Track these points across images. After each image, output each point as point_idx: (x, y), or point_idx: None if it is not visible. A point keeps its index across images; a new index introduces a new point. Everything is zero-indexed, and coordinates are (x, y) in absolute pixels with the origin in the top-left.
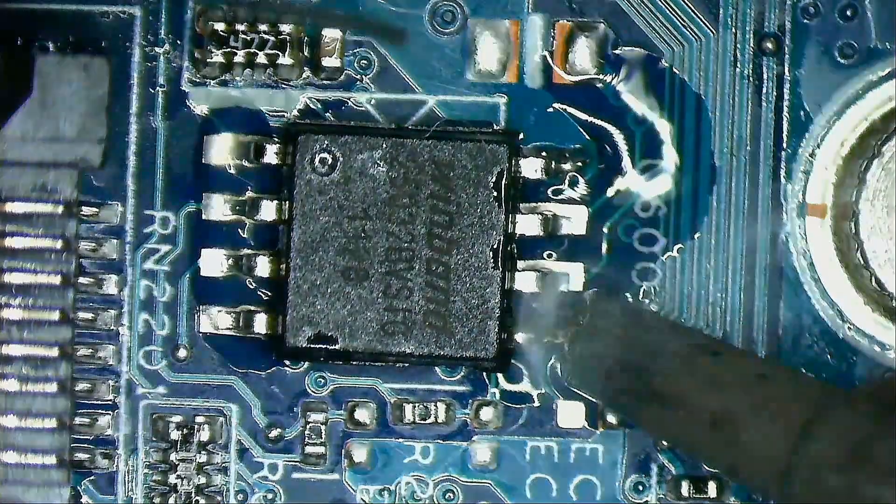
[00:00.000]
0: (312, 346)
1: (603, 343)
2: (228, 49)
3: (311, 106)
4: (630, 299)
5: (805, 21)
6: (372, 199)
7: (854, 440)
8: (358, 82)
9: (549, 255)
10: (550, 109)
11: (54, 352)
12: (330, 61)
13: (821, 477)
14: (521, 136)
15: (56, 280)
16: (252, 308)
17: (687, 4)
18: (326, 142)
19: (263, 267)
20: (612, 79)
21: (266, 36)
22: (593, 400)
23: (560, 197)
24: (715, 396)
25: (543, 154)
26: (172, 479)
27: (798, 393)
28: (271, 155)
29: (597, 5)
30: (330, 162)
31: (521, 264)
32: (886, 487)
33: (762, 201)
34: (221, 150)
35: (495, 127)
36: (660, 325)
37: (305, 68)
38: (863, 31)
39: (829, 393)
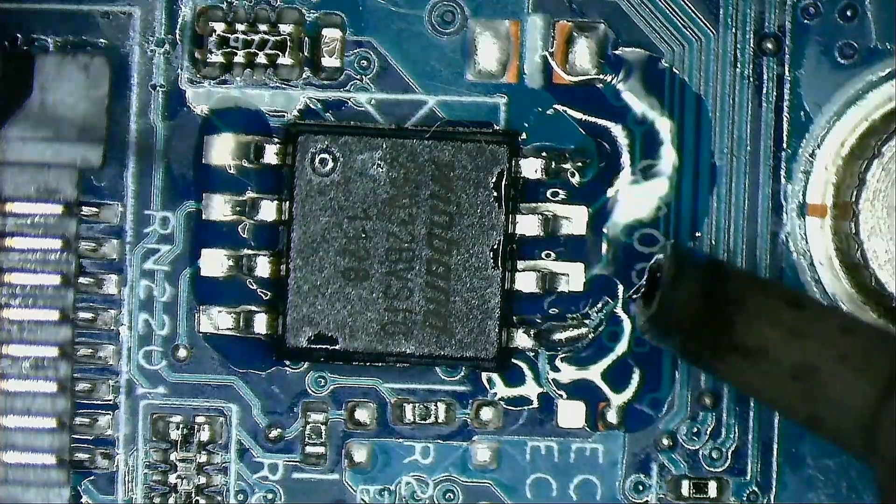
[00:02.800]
0: (313, 346)
1: (683, 294)
2: (228, 49)
3: (311, 106)
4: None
5: (805, 21)
6: (372, 199)
7: None
8: (358, 82)
9: (549, 255)
10: (551, 111)
11: (54, 352)
12: (330, 61)
13: None
14: (522, 136)
15: (56, 280)
16: (252, 308)
17: (687, 4)
18: (326, 142)
19: (263, 267)
20: (612, 79)
21: (266, 36)
22: (671, 351)
23: (560, 197)
24: (798, 348)
25: (543, 154)
26: (172, 479)
27: (882, 347)
28: (271, 155)
29: (597, 5)
30: (330, 162)
31: (521, 264)
32: None
33: (762, 201)
34: (221, 150)
35: (495, 127)
36: (740, 277)
37: (305, 68)
38: (863, 32)
39: None
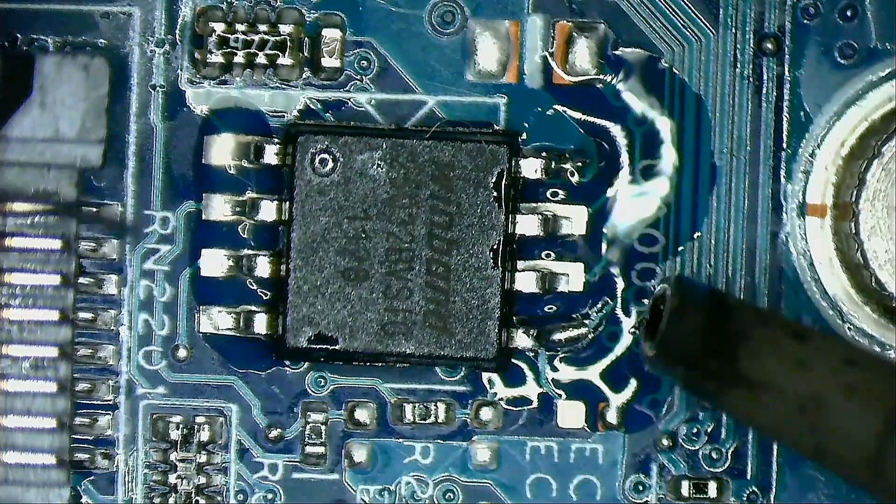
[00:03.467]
0: (313, 346)
1: (686, 326)
2: (228, 49)
3: (311, 106)
4: (711, 285)
5: (805, 21)
6: (372, 199)
7: None
8: (358, 83)
9: (549, 255)
10: (551, 111)
11: (54, 352)
12: (330, 61)
13: None
14: (522, 136)
15: (56, 280)
16: (252, 308)
17: (687, 4)
18: (326, 142)
19: (263, 267)
20: (612, 79)
21: (266, 36)
22: (675, 384)
23: (560, 197)
24: (802, 380)
25: (543, 154)
26: (172, 479)
27: (886, 379)
28: (271, 155)
29: (597, 6)
30: (330, 162)
31: (521, 264)
32: None
33: (762, 201)
34: (221, 150)
35: (495, 127)
36: (743, 309)
37: (305, 68)
38: (863, 32)
39: None
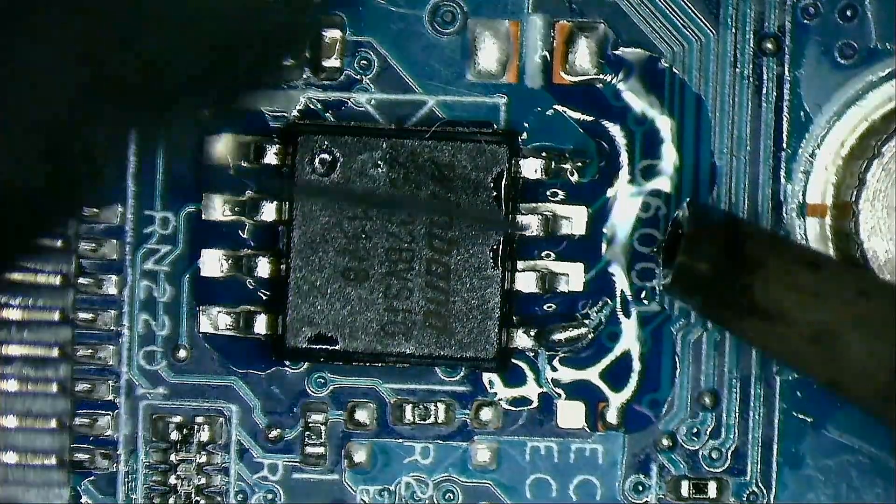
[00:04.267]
0: (312, 346)
1: (702, 254)
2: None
3: (311, 106)
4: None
5: (805, 21)
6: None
7: None
8: (358, 83)
9: (549, 255)
10: (551, 111)
11: (54, 352)
12: (330, 61)
13: None
14: (522, 136)
15: (56, 280)
16: (252, 308)
17: (687, 4)
18: (326, 142)
19: (263, 267)
20: (612, 79)
21: None
22: (693, 310)
23: (559, 197)
24: (816, 311)
25: (543, 154)
26: (172, 479)
27: None
28: (271, 155)
29: (597, 5)
30: (330, 162)
31: (521, 264)
32: None
33: (762, 201)
34: (221, 150)
35: (495, 127)
36: (758, 237)
37: (305, 68)
38: (863, 32)
39: None
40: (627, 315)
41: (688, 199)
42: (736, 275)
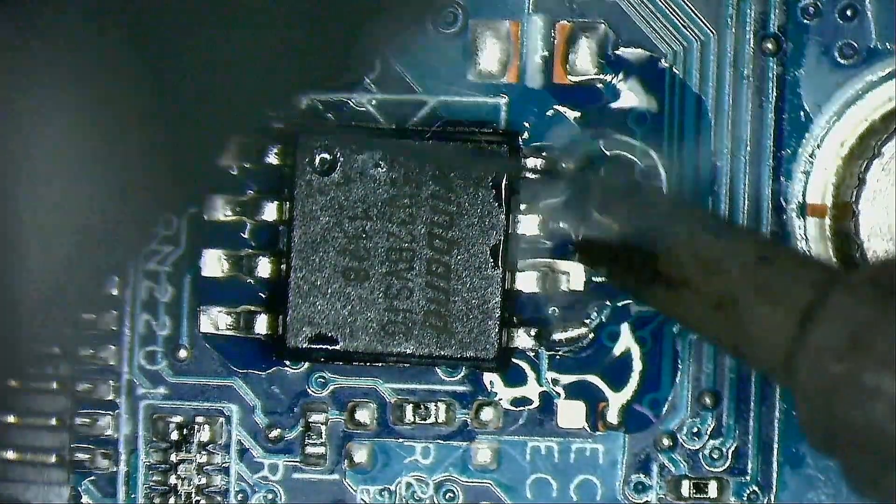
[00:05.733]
0: (313, 346)
1: (608, 222)
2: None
3: (312, 106)
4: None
5: (805, 21)
6: (372, 199)
7: (854, 327)
8: (359, 83)
9: (549, 255)
10: (551, 111)
11: (54, 352)
12: None
13: (822, 365)
14: (522, 136)
15: None
16: (253, 308)
17: (687, 4)
18: (327, 142)
19: (264, 267)
20: (613, 79)
21: None
22: (603, 279)
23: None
24: (717, 279)
25: (543, 154)
26: (172, 479)
27: (800, 276)
28: (272, 155)
29: (597, 5)
30: (330, 162)
31: (521, 264)
32: (886, 376)
33: (762, 201)
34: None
35: (496, 127)
36: (662, 203)
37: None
38: (863, 32)
39: (830, 276)
40: (628, 315)
41: (596, 172)
42: (639, 244)
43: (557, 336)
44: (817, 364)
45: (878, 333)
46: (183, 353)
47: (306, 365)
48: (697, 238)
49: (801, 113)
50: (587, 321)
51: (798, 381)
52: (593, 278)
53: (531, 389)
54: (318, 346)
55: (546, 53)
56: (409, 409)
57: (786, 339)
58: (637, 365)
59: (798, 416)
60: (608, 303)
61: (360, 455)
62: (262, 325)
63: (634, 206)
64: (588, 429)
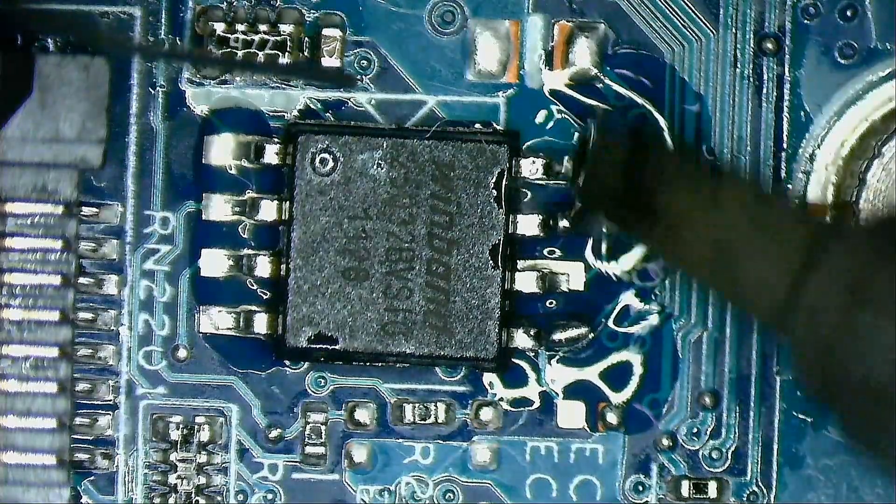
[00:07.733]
0: (313, 346)
1: (606, 164)
2: (228, 49)
3: (311, 106)
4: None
5: (805, 21)
6: (372, 199)
7: (851, 278)
8: (358, 83)
9: (549, 255)
10: (550, 112)
11: (54, 352)
12: (330, 61)
13: (819, 315)
14: (522, 136)
15: (56, 280)
16: (252, 308)
17: (687, 4)
18: (326, 142)
19: (264, 267)
20: (612, 79)
21: (266, 36)
22: (603, 224)
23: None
24: (716, 221)
25: (543, 154)
26: (172, 479)
27: (796, 228)
28: (271, 155)
29: (597, 5)
30: (330, 162)
31: (521, 264)
32: (883, 325)
33: None
34: (221, 150)
35: (495, 127)
36: (660, 146)
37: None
38: (863, 32)
39: (828, 228)
40: (628, 315)
41: (593, 113)
42: (640, 184)
43: (557, 336)
44: (815, 315)
45: (875, 285)
46: (182, 353)
47: (306, 365)
48: (696, 180)
49: (801, 113)
50: (587, 322)
51: (795, 332)
52: (593, 278)
53: (531, 390)
54: (318, 346)
55: (545, 53)
56: (408, 408)
57: (783, 291)
58: (637, 365)
59: (795, 368)
60: (608, 303)
61: (360, 455)
62: (261, 324)
63: (635, 147)
64: (588, 429)
